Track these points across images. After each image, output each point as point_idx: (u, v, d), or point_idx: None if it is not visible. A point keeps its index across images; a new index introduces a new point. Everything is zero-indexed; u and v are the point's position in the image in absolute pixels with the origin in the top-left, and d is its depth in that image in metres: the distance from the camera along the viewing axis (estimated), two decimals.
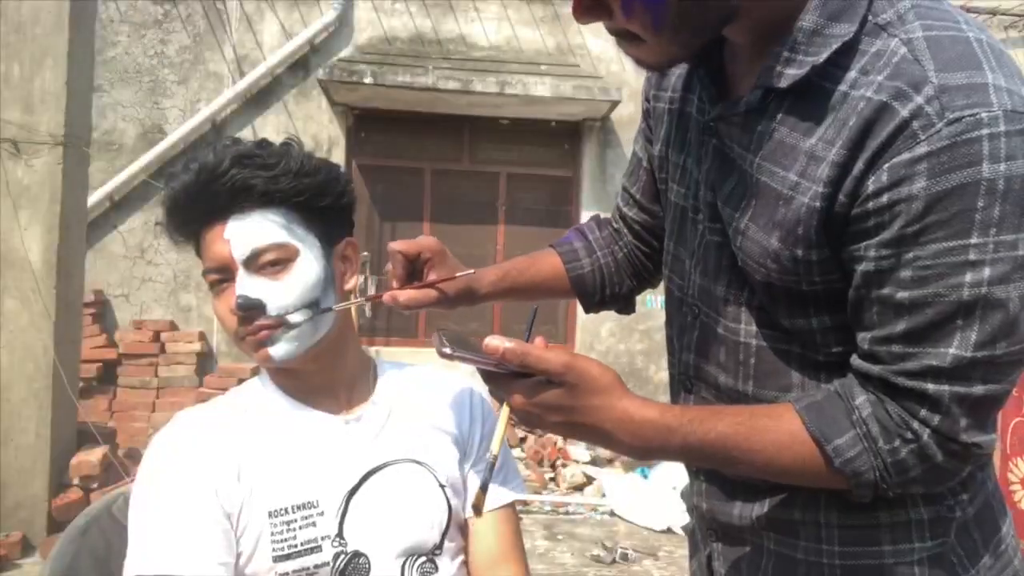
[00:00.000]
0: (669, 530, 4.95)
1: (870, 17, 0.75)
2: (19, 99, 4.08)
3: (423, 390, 1.17)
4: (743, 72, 0.86)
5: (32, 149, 4.07)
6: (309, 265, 1.03)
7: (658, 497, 5.21)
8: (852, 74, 0.75)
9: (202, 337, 6.27)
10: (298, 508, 1.01)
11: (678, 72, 1.01)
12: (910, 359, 0.74)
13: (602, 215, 1.25)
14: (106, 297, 6.32)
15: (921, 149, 0.69)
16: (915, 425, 0.75)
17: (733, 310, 0.88)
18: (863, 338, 0.77)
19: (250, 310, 0.99)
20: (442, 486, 1.10)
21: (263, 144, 1.05)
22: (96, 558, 1.11)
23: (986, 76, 0.69)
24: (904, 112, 0.70)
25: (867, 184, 0.72)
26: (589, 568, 4.07)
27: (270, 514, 1.00)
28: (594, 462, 5.79)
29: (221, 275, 1.03)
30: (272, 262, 1.01)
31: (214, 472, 1.00)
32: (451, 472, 1.12)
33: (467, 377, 1.16)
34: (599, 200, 6.68)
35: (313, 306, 1.03)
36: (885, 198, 0.71)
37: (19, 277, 4.03)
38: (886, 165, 0.71)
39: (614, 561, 4.20)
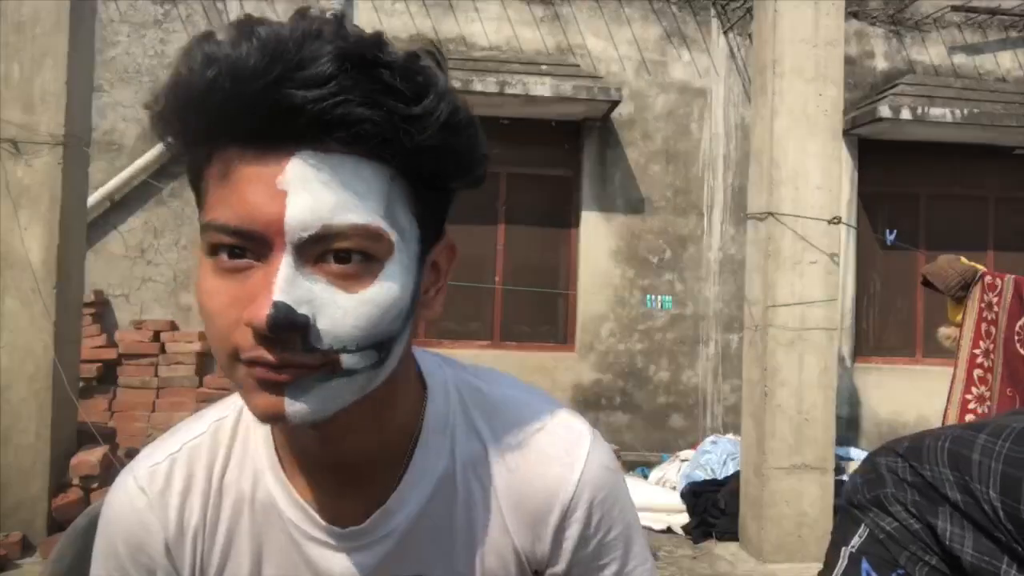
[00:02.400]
0: (669, 530, 4.95)
1: None
2: (19, 99, 4.08)
3: (486, 471, 0.73)
4: None
5: (32, 149, 4.07)
6: (400, 275, 0.61)
7: (658, 497, 5.22)
8: None
9: (202, 337, 6.26)
10: None
11: None
12: None
13: None
14: (106, 297, 6.32)
15: None
16: None
17: None
18: None
19: (289, 332, 0.56)
20: None
21: (386, 47, 0.58)
22: None
23: None
24: None
25: None
26: None
27: None
28: None
29: (243, 243, 0.58)
30: (345, 256, 0.58)
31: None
32: None
33: (581, 451, 0.74)
34: (599, 200, 6.68)
35: (384, 347, 0.61)
36: None
37: (19, 277, 4.03)
38: None
39: None
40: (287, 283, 0.56)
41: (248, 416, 0.74)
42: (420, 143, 0.58)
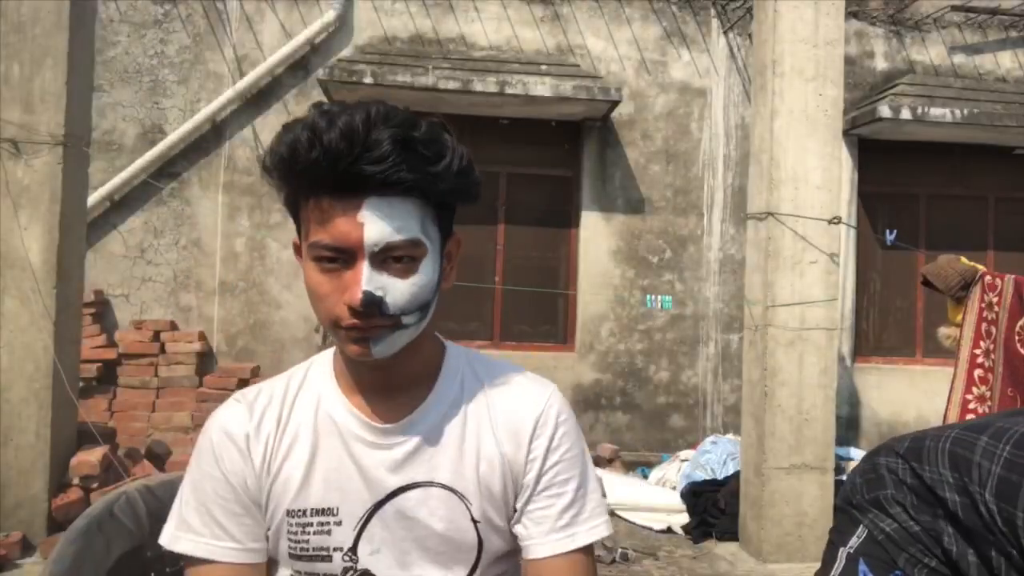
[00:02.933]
0: (669, 530, 4.95)
1: None
2: (19, 99, 4.08)
3: (483, 400, 1.07)
4: None
5: (32, 149, 4.07)
6: (431, 266, 0.97)
7: (658, 497, 5.22)
8: None
9: (202, 337, 6.27)
10: (316, 512, 1.01)
11: None
12: None
13: None
14: (106, 297, 6.32)
15: None
16: None
17: None
18: None
19: (372, 307, 0.92)
20: (475, 521, 1.02)
21: (418, 126, 0.93)
22: (96, 558, 1.11)
23: None
24: None
25: None
26: None
27: (288, 512, 1.01)
28: (594, 462, 5.79)
29: (336, 255, 0.93)
30: (399, 258, 0.94)
31: (247, 468, 1.02)
32: (490, 507, 1.03)
33: (549, 389, 1.10)
34: (599, 200, 6.68)
35: (424, 308, 0.98)
36: None
37: (19, 277, 4.03)
38: None
39: (614, 561, 4.19)
40: (368, 278, 0.91)
41: (315, 369, 1.09)
42: (442, 189, 0.94)
